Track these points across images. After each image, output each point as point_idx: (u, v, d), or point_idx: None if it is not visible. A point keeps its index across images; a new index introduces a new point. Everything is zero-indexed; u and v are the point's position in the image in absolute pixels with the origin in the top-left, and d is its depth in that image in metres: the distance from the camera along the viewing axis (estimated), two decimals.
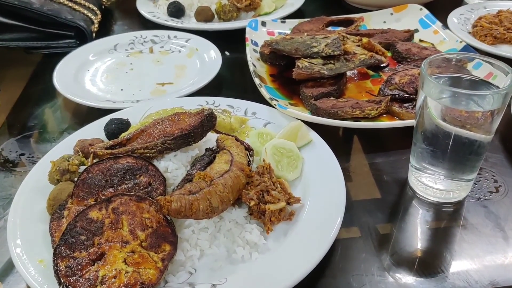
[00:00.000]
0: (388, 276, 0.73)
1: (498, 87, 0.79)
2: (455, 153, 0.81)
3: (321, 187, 0.84)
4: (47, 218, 0.79)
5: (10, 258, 0.74)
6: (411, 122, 0.96)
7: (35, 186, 0.86)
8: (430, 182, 0.86)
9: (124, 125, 0.97)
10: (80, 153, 0.89)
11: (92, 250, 0.68)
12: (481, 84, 0.82)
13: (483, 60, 0.84)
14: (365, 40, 1.20)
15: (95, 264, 0.67)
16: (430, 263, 0.75)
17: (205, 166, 0.80)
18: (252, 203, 0.77)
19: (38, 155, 1.02)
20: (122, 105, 1.10)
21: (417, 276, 0.73)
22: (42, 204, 0.82)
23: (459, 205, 0.86)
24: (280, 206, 0.78)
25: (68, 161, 0.85)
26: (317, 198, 0.82)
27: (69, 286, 0.64)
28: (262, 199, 0.78)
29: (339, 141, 1.04)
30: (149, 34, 1.48)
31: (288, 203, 0.81)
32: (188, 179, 0.77)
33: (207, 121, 0.84)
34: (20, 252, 0.73)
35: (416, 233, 0.82)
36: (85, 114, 1.15)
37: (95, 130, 0.99)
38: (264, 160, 0.86)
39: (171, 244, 0.70)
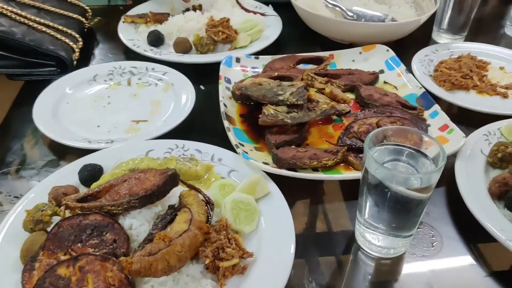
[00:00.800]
0: None
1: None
2: (395, 209, 0.87)
3: (273, 240, 0.93)
4: (20, 267, 0.86)
5: None
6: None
7: (10, 233, 0.93)
8: (372, 239, 0.95)
9: (96, 172, 1.05)
10: (53, 201, 0.97)
11: None
12: (422, 157, 0.89)
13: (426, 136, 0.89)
14: (327, 90, 1.28)
15: None
16: None
17: (166, 225, 0.88)
18: (208, 260, 0.85)
19: (16, 194, 1.09)
20: (97, 145, 1.17)
21: None
22: (17, 252, 0.89)
23: (397, 259, 0.96)
24: (233, 263, 0.86)
25: (42, 211, 0.93)
26: (269, 252, 0.91)
27: None
28: (218, 255, 0.87)
29: (298, 190, 1.11)
30: (128, 65, 1.54)
31: (242, 257, 0.89)
32: (149, 239, 0.85)
33: (170, 181, 0.92)
34: None
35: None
36: (63, 150, 1.21)
37: (69, 174, 1.07)
38: (221, 218, 0.94)
39: None
